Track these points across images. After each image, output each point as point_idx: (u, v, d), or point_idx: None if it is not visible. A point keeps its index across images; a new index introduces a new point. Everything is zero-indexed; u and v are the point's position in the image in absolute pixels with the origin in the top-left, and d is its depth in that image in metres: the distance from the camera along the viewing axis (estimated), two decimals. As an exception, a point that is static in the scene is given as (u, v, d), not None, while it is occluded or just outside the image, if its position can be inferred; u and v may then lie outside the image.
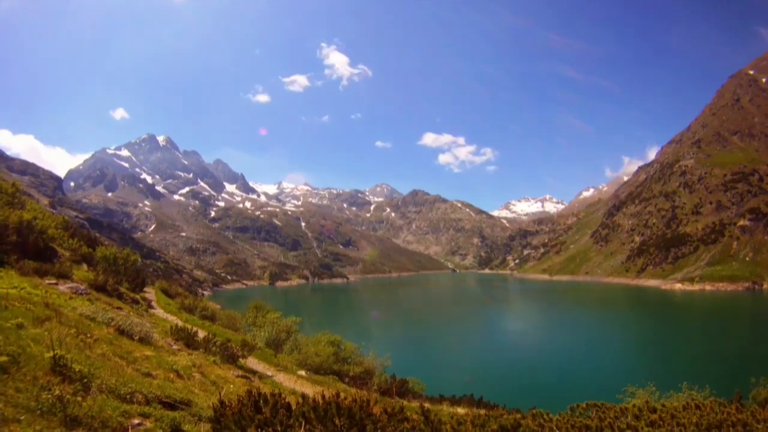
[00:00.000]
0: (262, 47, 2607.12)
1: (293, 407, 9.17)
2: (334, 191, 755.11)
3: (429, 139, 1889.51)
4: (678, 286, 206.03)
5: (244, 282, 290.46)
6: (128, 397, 9.49)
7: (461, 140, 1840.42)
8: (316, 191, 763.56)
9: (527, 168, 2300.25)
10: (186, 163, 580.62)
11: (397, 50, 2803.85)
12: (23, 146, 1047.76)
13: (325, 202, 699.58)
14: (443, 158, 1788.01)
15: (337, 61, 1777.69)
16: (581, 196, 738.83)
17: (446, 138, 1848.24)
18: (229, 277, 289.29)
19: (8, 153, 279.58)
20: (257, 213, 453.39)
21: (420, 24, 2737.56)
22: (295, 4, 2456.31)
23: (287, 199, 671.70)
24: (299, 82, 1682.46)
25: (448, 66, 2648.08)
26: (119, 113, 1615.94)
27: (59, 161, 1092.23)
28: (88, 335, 14.02)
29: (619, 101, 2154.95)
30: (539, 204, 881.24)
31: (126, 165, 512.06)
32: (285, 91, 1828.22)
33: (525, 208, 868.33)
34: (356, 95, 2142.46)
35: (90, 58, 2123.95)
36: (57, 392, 7.13)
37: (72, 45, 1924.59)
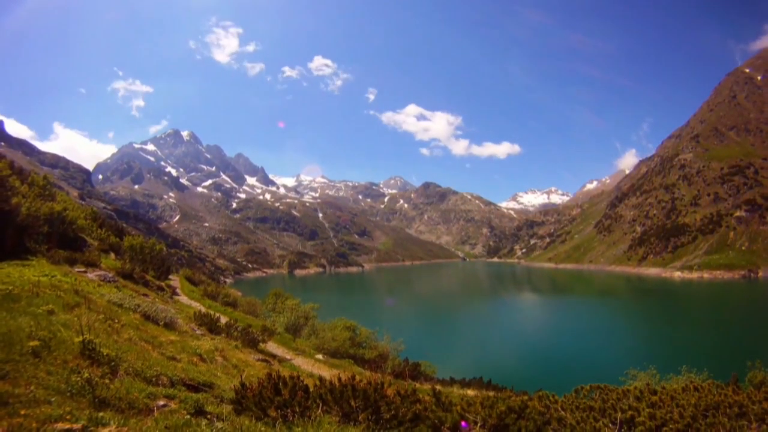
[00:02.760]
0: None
1: (311, 389, 9.19)
2: (350, 183, 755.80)
3: (441, 132, 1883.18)
4: (677, 274, 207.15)
5: (264, 270, 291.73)
6: (154, 379, 9.54)
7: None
8: (332, 183, 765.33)
9: (533, 161, 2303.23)
10: (209, 156, 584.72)
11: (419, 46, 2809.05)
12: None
13: (341, 193, 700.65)
14: (455, 150, 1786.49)
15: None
16: (585, 189, 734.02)
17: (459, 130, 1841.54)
18: (249, 266, 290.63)
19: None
20: (277, 204, 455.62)
21: (448, 24, 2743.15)
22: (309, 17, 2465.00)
23: (305, 191, 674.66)
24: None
25: (466, 62, 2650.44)
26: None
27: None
28: (116, 321, 14.12)
29: (621, 97, 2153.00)
30: (545, 196, 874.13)
31: (152, 159, 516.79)
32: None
33: (531, 199, 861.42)
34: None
35: (112, 54, 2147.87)
36: (86, 375, 7.15)
37: (95, 42, 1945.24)
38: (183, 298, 40.23)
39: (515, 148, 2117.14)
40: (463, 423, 10.11)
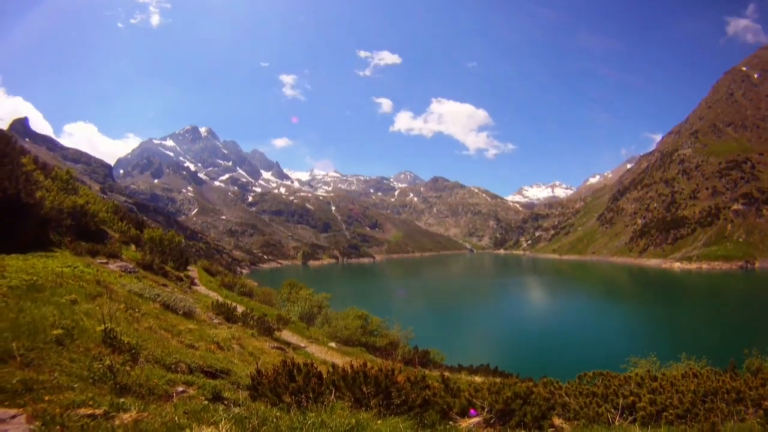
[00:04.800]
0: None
1: (324, 376, 9.21)
2: (362, 178, 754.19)
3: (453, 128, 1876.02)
4: (677, 264, 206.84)
5: (279, 261, 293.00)
6: (173, 366, 9.62)
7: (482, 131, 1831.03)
8: (344, 178, 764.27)
9: (539, 156, 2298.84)
10: (226, 152, 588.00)
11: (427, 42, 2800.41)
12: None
13: (353, 187, 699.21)
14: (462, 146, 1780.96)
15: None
16: (588, 182, 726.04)
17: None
18: (265, 257, 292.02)
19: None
20: (291, 198, 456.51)
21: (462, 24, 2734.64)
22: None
23: (318, 185, 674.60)
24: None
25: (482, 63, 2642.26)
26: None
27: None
28: (136, 310, 14.24)
29: (623, 94, 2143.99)
30: (550, 189, 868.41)
31: (171, 154, 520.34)
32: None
33: (536, 193, 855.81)
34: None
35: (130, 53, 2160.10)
36: (107, 362, 7.22)
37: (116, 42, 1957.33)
38: (201, 289, 40.45)
39: (519, 143, 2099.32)
40: (471, 409, 10.14)
